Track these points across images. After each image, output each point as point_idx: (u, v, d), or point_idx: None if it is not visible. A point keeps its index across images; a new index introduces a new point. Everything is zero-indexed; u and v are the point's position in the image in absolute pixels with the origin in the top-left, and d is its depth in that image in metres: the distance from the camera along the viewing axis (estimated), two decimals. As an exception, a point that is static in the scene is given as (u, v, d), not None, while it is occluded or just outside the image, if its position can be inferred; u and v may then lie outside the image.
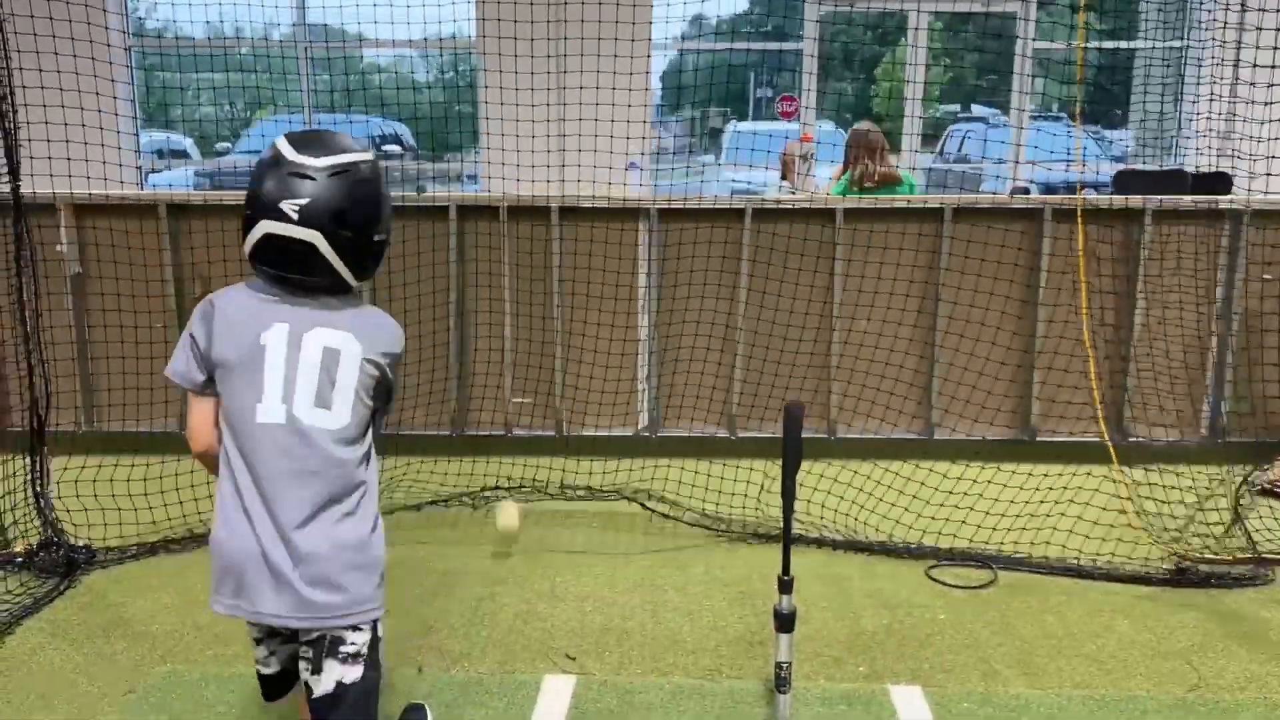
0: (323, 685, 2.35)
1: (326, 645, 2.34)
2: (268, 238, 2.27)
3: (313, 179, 2.25)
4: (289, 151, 2.28)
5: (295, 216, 2.25)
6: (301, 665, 2.40)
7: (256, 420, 2.29)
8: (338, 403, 2.31)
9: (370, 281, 5.04)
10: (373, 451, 2.45)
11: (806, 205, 5.87)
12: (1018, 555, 4.61)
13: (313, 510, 2.29)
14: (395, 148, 11.65)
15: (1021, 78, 8.79)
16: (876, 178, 6.54)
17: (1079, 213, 5.38)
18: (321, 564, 2.28)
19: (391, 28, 6.24)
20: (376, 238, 2.36)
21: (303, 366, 2.29)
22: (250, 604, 2.32)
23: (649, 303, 5.83)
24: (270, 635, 2.48)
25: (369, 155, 2.36)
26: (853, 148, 6.70)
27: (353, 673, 2.35)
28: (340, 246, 2.28)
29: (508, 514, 4.68)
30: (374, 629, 2.40)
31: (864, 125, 6.84)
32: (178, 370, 2.36)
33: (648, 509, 5.11)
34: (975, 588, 4.38)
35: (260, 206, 2.26)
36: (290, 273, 2.30)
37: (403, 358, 2.50)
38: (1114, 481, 5.08)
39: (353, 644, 2.35)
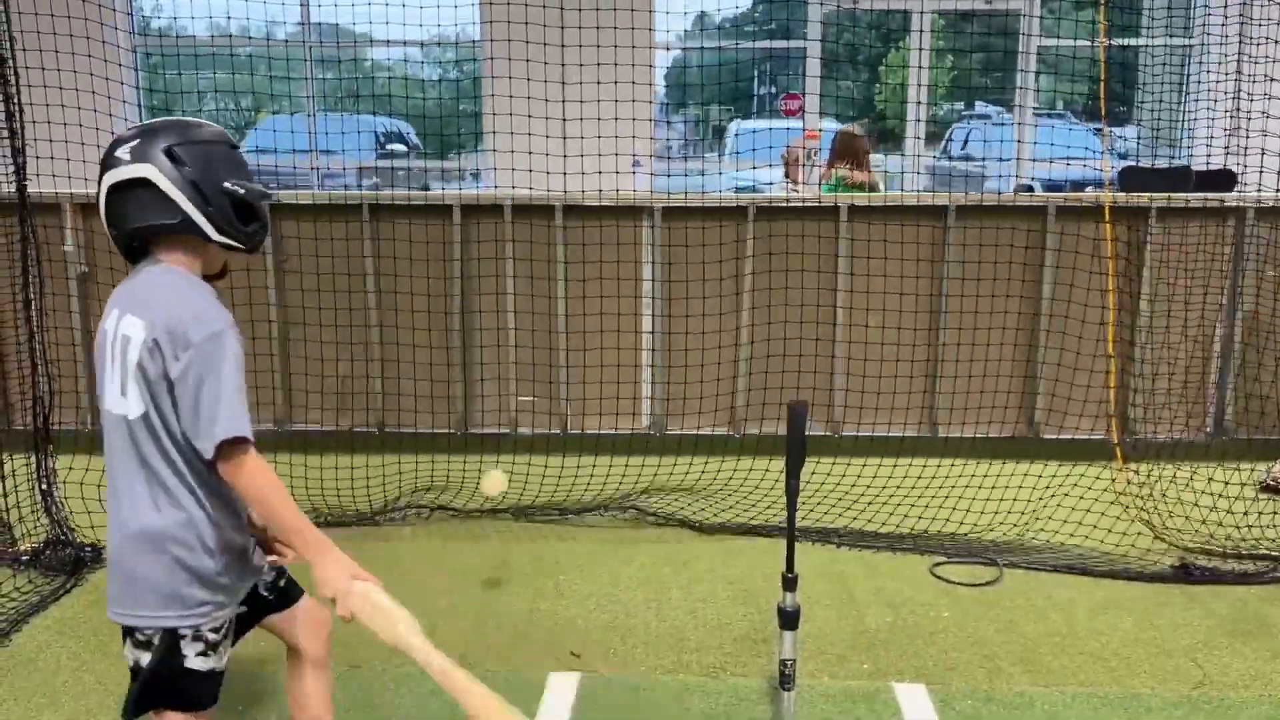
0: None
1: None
2: (110, 194, 2.27)
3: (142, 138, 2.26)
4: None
5: (127, 157, 2.24)
6: None
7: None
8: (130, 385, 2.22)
9: (375, 279, 5.01)
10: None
11: (810, 204, 5.87)
12: (1022, 552, 4.61)
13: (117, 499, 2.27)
14: (400, 146, 11.66)
15: (1025, 74, 8.79)
16: (850, 182, 6.61)
17: (1106, 211, 5.36)
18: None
19: (397, 28, 6.24)
20: (226, 184, 2.26)
21: (110, 350, 2.25)
22: None
23: (653, 301, 5.83)
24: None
25: (214, 126, 2.35)
26: (834, 149, 6.78)
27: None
28: (176, 179, 2.22)
29: (492, 480, 4.54)
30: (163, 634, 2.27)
31: (848, 128, 6.91)
32: None
33: (650, 515, 5.12)
34: (980, 585, 4.39)
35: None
36: (135, 226, 2.28)
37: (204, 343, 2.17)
38: (1113, 478, 5.07)
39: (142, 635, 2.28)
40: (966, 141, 13.75)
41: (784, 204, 5.91)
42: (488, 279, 5.85)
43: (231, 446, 2.15)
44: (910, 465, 5.18)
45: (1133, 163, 6.86)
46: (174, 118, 2.37)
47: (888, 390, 5.75)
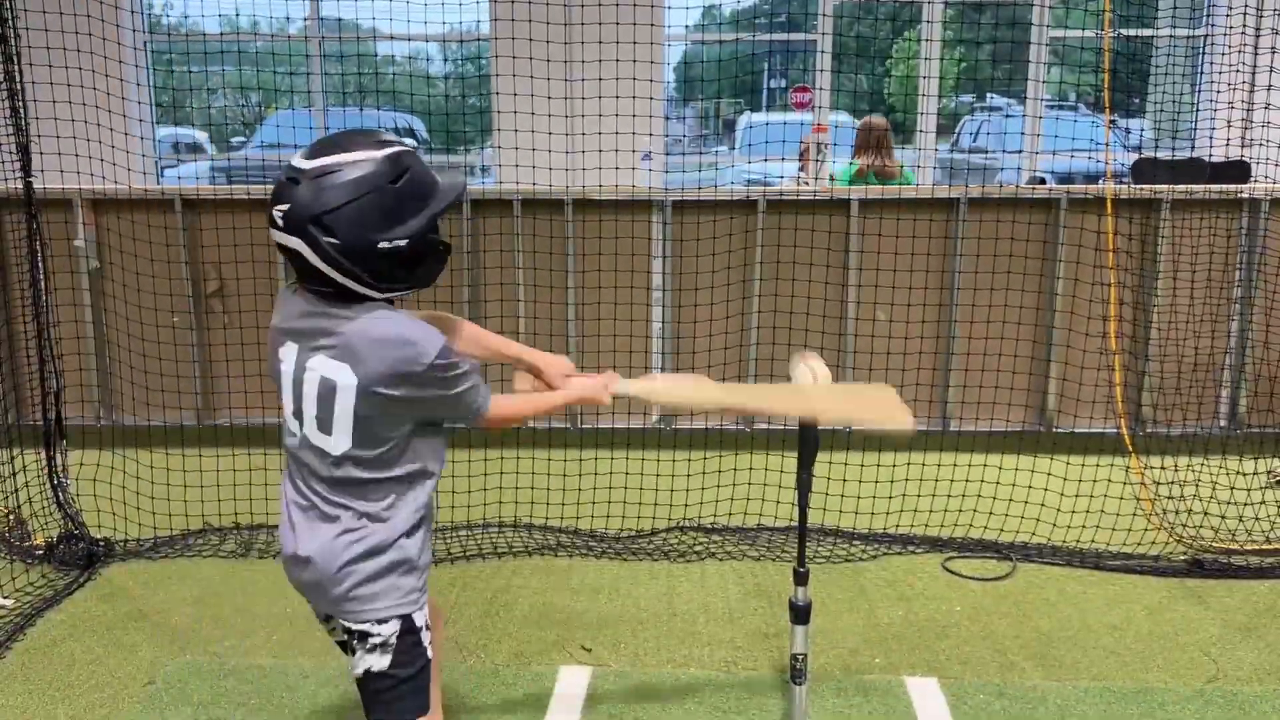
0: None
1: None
2: (278, 245, 2.20)
3: (298, 182, 2.12)
4: (296, 154, 2.18)
5: (280, 223, 2.14)
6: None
7: (287, 428, 2.33)
8: (337, 430, 2.23)
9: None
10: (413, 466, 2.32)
11: (820, 197, 5.85)
12: (1034, 546, 4.60)
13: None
14: (410, 142, 11.67)
15: (1037, 66, 8.75)
16: (870, 168, 6.60)
17: (1109, 204, 5.34)
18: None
19: (406, 23, 6.24)
20: (381, 244, 2.14)
21: (306, 392, 2.25)
22: None
23: (663, 295, 5.82)
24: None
25: (371, 154, 2.14)
26: (858, 141, 6.79)
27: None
28: (326, 254, 2.12)
29: None
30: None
31: (869, 118, 6.90)
32: None
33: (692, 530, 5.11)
34: (992, 579, 4.38)
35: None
36: (302, 280, 2.22)
37: (430, 368, 2.20)
38: (1127, 469, 5.05)
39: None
40: (978, 134, 13.71)
41: (794, 197, 5.89)
42: (496, 273, 5.84)
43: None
44: (924, 459, 5.16)
45: (1147, 154, 6.82)
46: (339, 150, 2.15)
47: (898, 383, 5.71)
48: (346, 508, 2.28)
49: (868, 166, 6.64)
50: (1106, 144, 5.15)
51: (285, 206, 2.13)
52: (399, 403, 2.20)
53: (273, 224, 2.16)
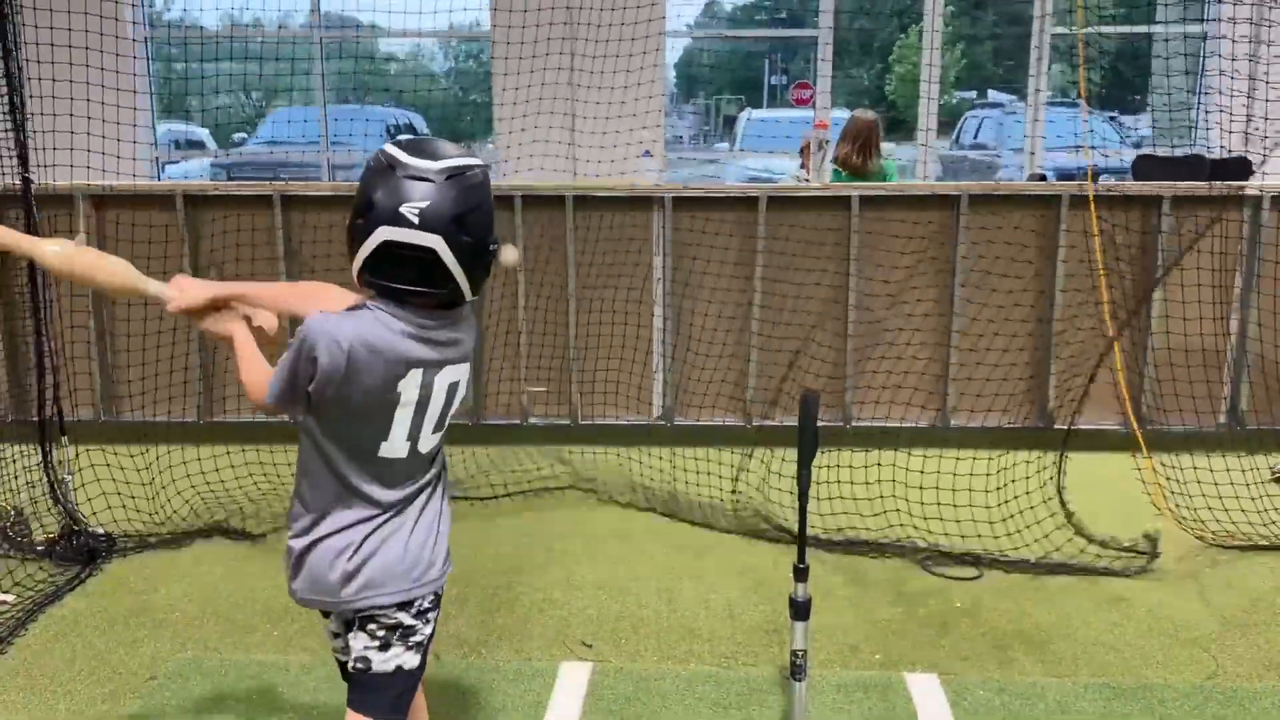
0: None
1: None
2: (386, 245, 2.17)
3: (431, 182, 2.15)
4: (403, 156, 2.18)
5: (416, 220, 2.15)
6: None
7: (379, 454, 2.30)
8: (448, 419, 2.39)
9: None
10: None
11: (822, 194, 5.85)
12: (1035, 543, 4.59)
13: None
14: (410, 138, 11.67)
15: (1039, 62, 8.73)
16: (848, 164, 6.53)
17: (1090, 199, 5.34)
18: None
19: (410, 18, 6.24)
20: (491, 245, 2.27)
21: (431, 408, 2.31)
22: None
23: (663, 291, 5.82)
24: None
25: (480, 160, 2.27)
26: (842, 133, 6.71)
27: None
28: (460, 253, 2.19)
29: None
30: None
31: (856, 112, 6.82)
32: (280, 395, 2.27)
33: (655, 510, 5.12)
34: (976, 580, 4.37)
35: (376, 213, 2.16)
36: (407, 283, 2.20)
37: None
38: (1137, 466, 5.05)
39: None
40: (979, 130, 13.71)
41: (795, 194, 5.89)
42: (497, 269, 5.83)
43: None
44: (924, 456, 5.15)
45: (1148, 151, 6.82)
46: (458, 154, 2.25)
47: (897, 386, 5.73)
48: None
49: (840, 159, 6.55)
50: (1086, 140, 5.15)
51: (423, 204, 2.15)
52: None
53: (399, 222, 2.16)
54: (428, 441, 2.34)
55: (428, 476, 2.39)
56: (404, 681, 2.38)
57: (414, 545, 2.34)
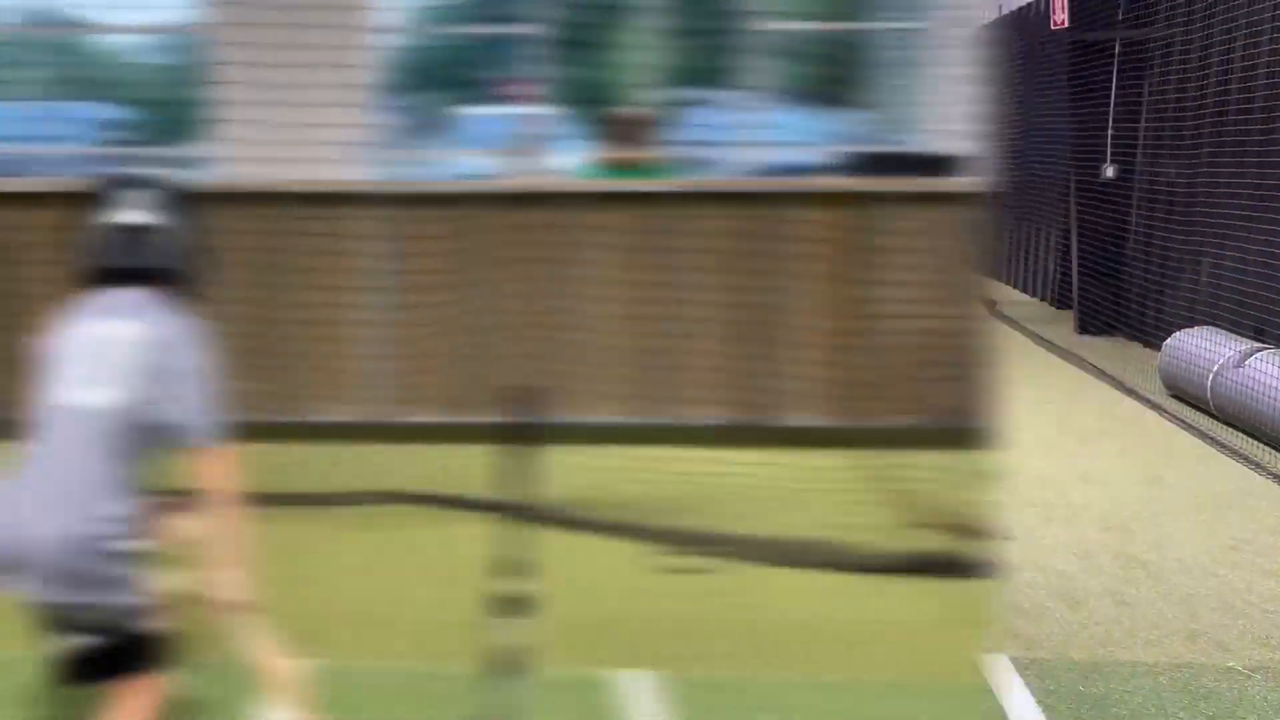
0: None
1: None
2: None
3: None
4: None
5: None
6: None
7: None
8: None
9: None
10: None
11: (533, 189, 5.86)
12: (754, 540, 4.58)
13: None
14: (119, 134, 11.00)
15: (756, 58, 8.86)
16: (610, 159, 6.50)
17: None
18: None
19: (118, 13, 5.81)
20: None
21: None
22: None
23: (375, 290, 5.65)
24: None
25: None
26: (603, 132, 6.65)
27: None
28: None
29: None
30: None
31: (614, 109, 6.83)
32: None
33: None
34: (708, 573, 4.36)
35: None
36: None
37: None
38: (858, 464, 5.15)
39: None
40: (694, 127, 13.99)
41: (503, 192, 5.90)
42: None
43: None
44: (642, 452, 5.04)
45: (862, 148, 7.02)
46: None
47: (601, 376, 5.64)
48: None
49: (610, 159, 6.51)
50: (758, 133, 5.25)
51: None
52: None
53: None
54: None
55: None
56: None
57: None
